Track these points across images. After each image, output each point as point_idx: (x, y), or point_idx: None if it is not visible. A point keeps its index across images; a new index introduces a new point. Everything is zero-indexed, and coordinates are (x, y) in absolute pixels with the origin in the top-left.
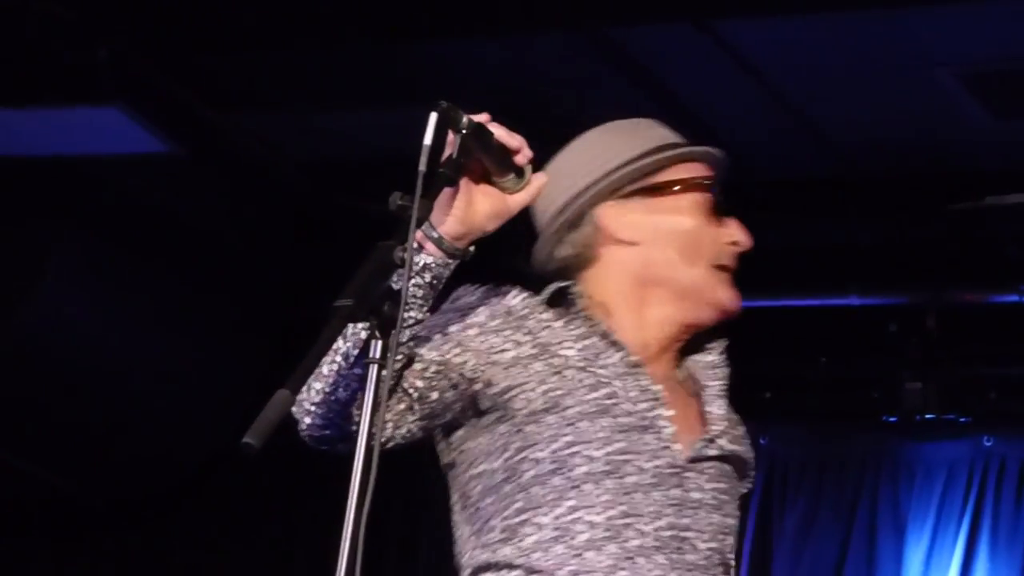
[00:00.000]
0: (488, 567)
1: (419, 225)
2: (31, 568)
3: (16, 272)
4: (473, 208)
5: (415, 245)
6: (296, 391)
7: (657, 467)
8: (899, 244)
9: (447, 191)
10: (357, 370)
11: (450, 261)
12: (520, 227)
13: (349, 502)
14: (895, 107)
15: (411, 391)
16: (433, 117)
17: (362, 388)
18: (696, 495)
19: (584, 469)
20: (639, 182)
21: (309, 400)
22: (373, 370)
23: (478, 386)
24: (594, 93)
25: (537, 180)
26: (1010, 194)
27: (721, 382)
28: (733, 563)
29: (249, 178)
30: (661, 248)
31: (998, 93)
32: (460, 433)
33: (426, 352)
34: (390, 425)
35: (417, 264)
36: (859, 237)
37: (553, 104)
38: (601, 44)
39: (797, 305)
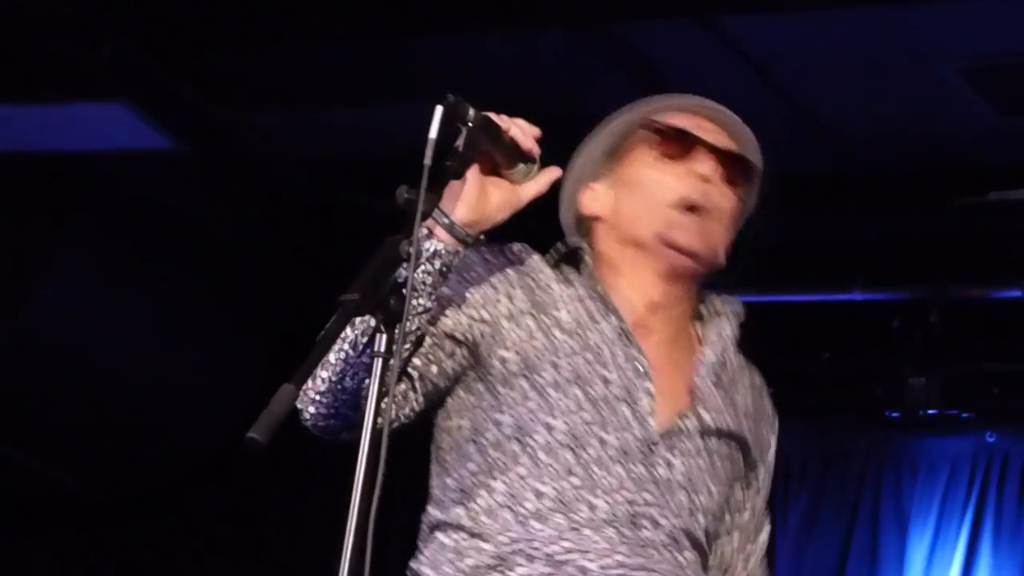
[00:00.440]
0: (439, 526)
1: (425, 218)
2: (32, 564)
3: (19, 268)
4: (486, 198)
5: (425, 232)
6: (301, 386)
7: (623, 440)
8: (902, 240)
9: (456, 182)
10: (365, 359)
11: (460, 248)
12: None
13: (354, 494)
14: (899, 103)
15: (411, 371)
16: (439, 111)
17: (369, 377)
18: (662, 471)
19: (542, 438)
20: (604, 163)
21: (315, 389)
22: (378, 363)
23: (466, 349)
24: (597, 88)
25: (548, 173)
26: (1013, 190)
27: (718, 357)
28: (705, 541)
29: (253, 174)
30: (627, 208)
31: (1002, 89)
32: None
33: (423, 325)
34: (393, 408)
35: (427, 251)
36: (862, 233)
37: (556, 99)
38: (604, 39)
39: (800, 300)
